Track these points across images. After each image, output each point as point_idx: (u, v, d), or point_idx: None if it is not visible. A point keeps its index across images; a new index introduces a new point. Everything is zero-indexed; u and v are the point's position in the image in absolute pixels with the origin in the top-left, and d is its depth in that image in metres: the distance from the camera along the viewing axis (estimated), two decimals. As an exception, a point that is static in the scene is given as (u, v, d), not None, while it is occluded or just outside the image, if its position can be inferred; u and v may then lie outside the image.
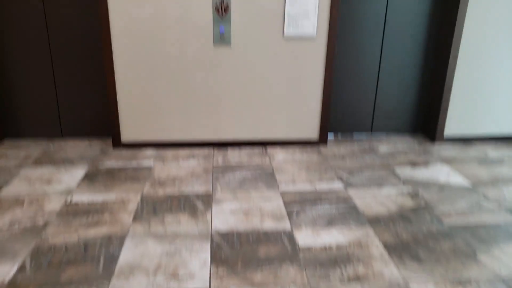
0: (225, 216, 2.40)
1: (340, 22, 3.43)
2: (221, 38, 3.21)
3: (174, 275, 1.85)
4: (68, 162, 3.11)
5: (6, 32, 3.23)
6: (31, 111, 3.46)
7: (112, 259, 1.97)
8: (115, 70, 3.20)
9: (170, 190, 2.71)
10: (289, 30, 3.22)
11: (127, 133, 3.39)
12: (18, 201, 2.51)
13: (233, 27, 3.19)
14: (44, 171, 2.95)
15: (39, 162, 3.10)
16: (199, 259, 1.98)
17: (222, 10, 3.14)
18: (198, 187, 2.75)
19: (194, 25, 3.15)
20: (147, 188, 2.72)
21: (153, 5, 3.06)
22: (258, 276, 1.86)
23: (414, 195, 2.70)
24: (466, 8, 3.27)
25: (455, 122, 3.63)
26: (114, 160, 3.17)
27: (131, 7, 3.05)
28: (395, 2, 3.43)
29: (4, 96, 3.40)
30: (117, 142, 3.38)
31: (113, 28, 3.10)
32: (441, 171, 3.09)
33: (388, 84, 3.67)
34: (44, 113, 3.47)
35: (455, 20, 3.30)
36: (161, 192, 2.67)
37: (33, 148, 3.36)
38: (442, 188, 2.82)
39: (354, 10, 3.42)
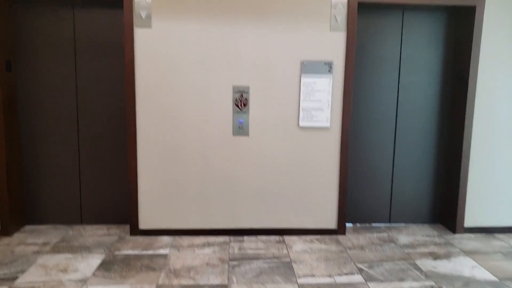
0: (242, 310, 2.31)
1: (353, 113, 3.60)
2: (240, 129, 3.38)
3: None
4: (85, 249, 3.12)
5: (36, 122, 3.47)
6: (54, 198, 3.57)
7: None
8: (138, 158, 3.35)
9: (185, 281, 2.65)
10: (303, 122, 3.39)
11: (145, 220, 3.42)
12: (33, 291, 2.49)
13: (251, 119, 3.38)
14: (61, 258, 2.95)
15: (57, 249, 3.11)
16: None
17: (241, 104, 3.35)
18: (213, 279, 2.70)
19: (215, 117, 3.35)
20: (162, 278, 2.67)
21: (176, 98, 3.30)
22: None
23: (438, 291, 2.59)
24: (474, 100, 3.42)
25: (475, 212, 3.58)
26: (130, 247, 3.17)
27: (156, 98, 3.29)
28: (405, 94, 3.61)
29: (27, 183, 3.54)
30: (134, 229, 3.40)
31: (138, 120, 3.31)
32: (465, 264, 2.98)
33: (403, 174, 3.72)
34: (66, 200, 3.58)
35: (465, 110, 3.44)
36: (175, 282, 2.62)
37: (52, 234, 3.39)
38: (467, 283, 2.70)
39: (366, 102, 3.61)
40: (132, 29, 3.19)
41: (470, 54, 3.37)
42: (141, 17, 3.20)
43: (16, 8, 3.34)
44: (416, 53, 3.58)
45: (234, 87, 3.33)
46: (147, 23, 3.21)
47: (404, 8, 3.46)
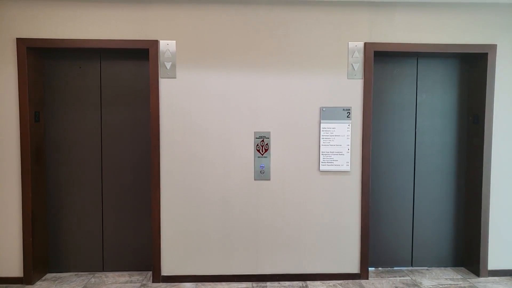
0: None
1: (373, 157, 3.65)
2: (261, 173, 3.43)
3: None
4: (109, 298, 3.11)
5: (61, 171, 3.54)
6: (77, 246, 3.58)
7: None
8: (161, 206, 3.39)
9: (213, 332, 2.63)
10: (324, 166, 3.44)
11: (168, 267, 3.42)
12: None
13: (272, 164, 3.43)
14: (86, 308, 2.94)
15: (81, 298, 3.10)
16: None
17: (262, 149, 3.42)
18: (242, 329, 2.67)
19: (237, 162, 3.41)
20: (190, 330, 2.65)
21: (200, 145, 3.38)
22: None
23: None
24: (491, 141, 3.48)
25: (498, 254, 3.55)
26: (154, 296, 3.15)
27: (180, 146, 3.37)
28: (423, 138, 3.68)
29: (50, 232, 3.57)
30: (157, 276, 3.39)
31: (162, 167, 3.37)
32: (494, 311, 2.94)
33: (424, 217, 3.73)
34: (89, 248, 3.59)
35: (482, 152, 3.49)
36: (204, 334, 2.60)
37: (75, 282, 3.38)
38: (500, 331, 2.66)
39: (385, 146, 3.67)
40: (157, 80, 3.31)
41: (485, 98, 3.46)
42: (166, 68, 3.33)
43: (45, 62, 3.49)
44: (431, 98, 3.67)
45: (255, 133, 3.41)
46: (172, 73, 3.33)
47: (418, 55, 3.59)
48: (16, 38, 3.25)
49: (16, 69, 3.27)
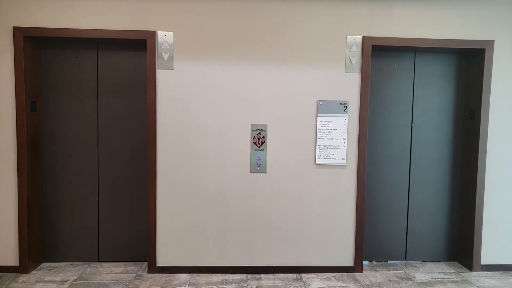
0: None
1: (369, 151, 3.66)
2: (258, 166, 3.44)
3: None
4: (103, 286, 3.11)
5: (58, 160, 3.54)
6: (72, 235, 3.59)
7: None
8: (157, 197, 3.40)
9: (207, 322, 2.65)
10: (320, 160, 3.45)
11: (163, 258, 3.43)
12: (56, 332, 2.48)
13: (268, 156, 3.44)
14: (81, 297, 2.95)
15: (75, 287, 3.11)
16: None
17: (259, 142, 3.43)
18: (236, 319, 2.69)
19: (233, 154, 3.42)
20: (184, 319, 2.67)
21: (196, 137, 3.38)
22: None
23: (462, 333, 2.57)
24: (487, 137, 3.49)
25: (491, 249, 3.59)
26: (148, 285, 3.17)
27: (177, 138, 3.37)
28: (419, 133, 3.70)
29: (46, 221, 3.57)
30: (152, 266, 3.41)
31: (159, 159, 3.38)
32: (486, 304, 2.97)
33: (418, 212, 3.75)
34: (84, 238, 3.60)
35: (478, 147, 3.51)
36: (198, 324, 2.62)
37: (70, 272, 3.39)
38: (491, 324, 2.69)
39: (381, 140, 3.68)
40: (154, 71, 3.31)
41: (482, 93, 3.47)
42: (164, 59, 3.32)
43: (42, 51, 3.47)
44: (428, 93, 3.68)
45: (252, 126, 3.41)
46: (169, 64, 3.33)
47: (416, 50, 3.59)
48: (13, 27, 3.23)
49: (12, 58, 3.25)
